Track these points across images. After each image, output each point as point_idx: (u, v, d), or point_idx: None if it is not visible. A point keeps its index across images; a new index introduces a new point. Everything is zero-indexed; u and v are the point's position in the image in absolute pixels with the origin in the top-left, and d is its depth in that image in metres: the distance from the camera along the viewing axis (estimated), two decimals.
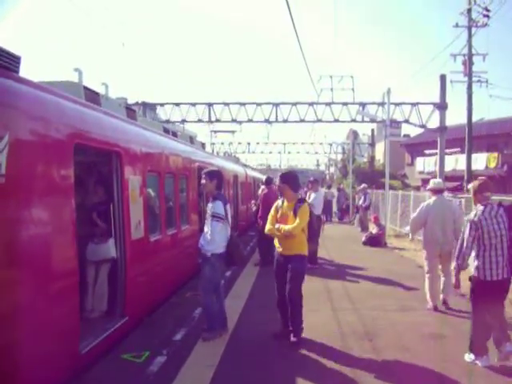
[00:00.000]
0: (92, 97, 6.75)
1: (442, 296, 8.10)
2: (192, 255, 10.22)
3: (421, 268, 10.35)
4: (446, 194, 14.31)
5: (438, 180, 9.23)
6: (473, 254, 5.68)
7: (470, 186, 6.11)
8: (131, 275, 6.74)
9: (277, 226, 6.42)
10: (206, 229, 6.50)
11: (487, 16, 22.37)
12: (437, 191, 8.39)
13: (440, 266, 8.18)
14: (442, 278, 8.14)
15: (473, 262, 5.68)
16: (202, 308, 6.66)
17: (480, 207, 5.70)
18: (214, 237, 6.36)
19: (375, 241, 16.11)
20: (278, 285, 6.54)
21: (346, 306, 8.22)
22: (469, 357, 5.70)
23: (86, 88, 6.69)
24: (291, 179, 6.62)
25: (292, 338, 6.27)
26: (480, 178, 6.29)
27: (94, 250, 6.67)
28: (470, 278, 5.75)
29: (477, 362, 5.60)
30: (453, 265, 6.05)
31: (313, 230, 6.62)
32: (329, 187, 30.54)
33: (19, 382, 4.26)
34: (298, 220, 6.24)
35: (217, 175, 6.71)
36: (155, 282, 7.81)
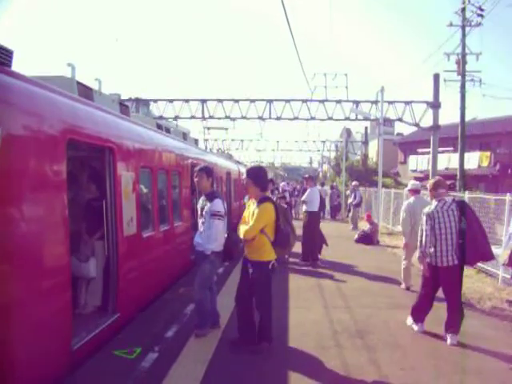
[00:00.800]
0: (85, 92, 6.72)
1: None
2: (185, 252, 10.21)
3: (413, 266, 10.40)
4: None
5: (415, 182, 10.49)
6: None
7: (427, 184, 7.17)
8: (123, 271, 6.71)
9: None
10: (202, 227, 6.45)
11: (481, 15, 22.48)
12: (415, 191, 9.76)
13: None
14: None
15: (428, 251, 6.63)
16: (195, 304, 6.65)
17: (434, 202, 6.66)
18: (217, 236, 6.33)
19: (368, 239, 16.16)
20: (238, 287, 6.22)
21: (338, 304, 8.24)
22: (409, 320, 7.01)
23: (79, 83, 6.64)
24: (256, 174, 6.01)
25: (263, 344, 5.92)
26: (436, 177, 7.45)
27: (75, 266, 6.29)
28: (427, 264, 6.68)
29: (413, 326, 6.88)
30: (417, 254, 7.02)
31: (282, 234, 5.84)
32: (322, 185, 30.55)
33: (11, 377, 4.24)
34: (251, 222, 5.77)
35: (211, 172, 6.68)
36: (148, 279, 7.79)
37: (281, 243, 5.86)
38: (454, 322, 6.37)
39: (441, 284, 6.56)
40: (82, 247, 6.70)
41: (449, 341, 6.29)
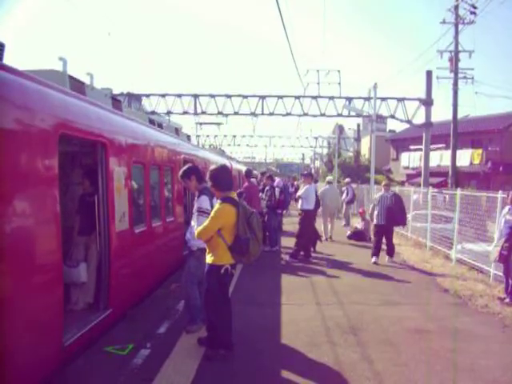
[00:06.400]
0: (77, 86, 6.65)
1: (330, 234, 16.43)
2: (177, 247, 10.17)
3: (405, 263, 11.79)
4: (430, 189, 14.60)
5: (331, 176, 18.34)
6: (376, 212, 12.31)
7: (383, 183, 13.35)
8: (115, 267, 6.67)
9: None
10: (192, 223, 6.42)
11: (474, 13, 22.52)
12: (329, 182, 16.84)
13: (329, 219, 16.41)
14: (329, 225, 16.46)
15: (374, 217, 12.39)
16: (185, 300, 6.63)
17: (380, 193, 12.57)
18: None
19: (360, 235, 16.15)
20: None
21: (330, 301, 8.25)
22: (372, 259, 12.02)
23: (70, 77, 6.58)
24: (214, 176, 5.70)
25: (220, 351, 5.63)
26: (386, 181, 14.83)
27: (65, 273, 5.79)
28: (374, 225, 12.67)
29: (372, 259, 11.96)
30: (368, 216, 14.71)
31: (239, 239, 5.36)
32: (315, 181, 30.40)
33: (1, 372, 4.20)
34: (205, 222, 5.55)
35: (192, 171, 6.52)
36: (140, 274, 7.75)
37: (237, 249, 5.43)
38: (390, 251, 12.22)
39: (383, 233, 12.09)
40: (72, 251, 6.65)
41: (387, 259, 12.08)
